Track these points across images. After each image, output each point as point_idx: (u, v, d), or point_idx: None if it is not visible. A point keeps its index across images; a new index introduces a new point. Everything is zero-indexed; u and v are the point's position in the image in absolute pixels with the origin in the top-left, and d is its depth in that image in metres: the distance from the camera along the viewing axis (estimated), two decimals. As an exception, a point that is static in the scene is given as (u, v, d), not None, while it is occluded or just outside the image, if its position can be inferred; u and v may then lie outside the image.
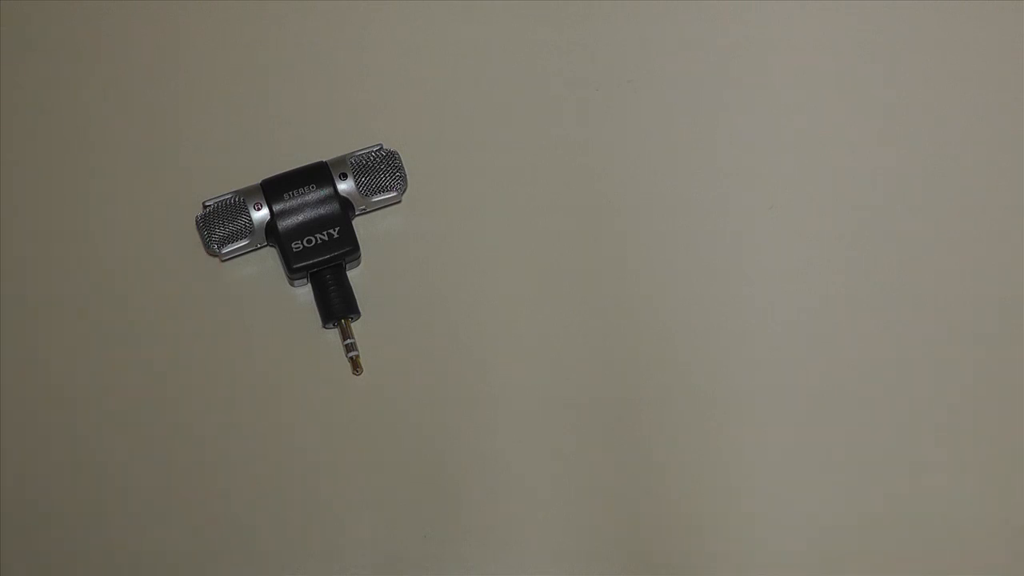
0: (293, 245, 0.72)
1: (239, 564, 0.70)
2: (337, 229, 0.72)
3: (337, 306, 0.72)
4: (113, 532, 0.70)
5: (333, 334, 0.73)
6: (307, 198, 0.72)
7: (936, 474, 0.72)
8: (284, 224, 0.72)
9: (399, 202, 0.74)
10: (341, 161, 0.73)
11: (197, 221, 0.72)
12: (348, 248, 0.72)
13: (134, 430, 0.71)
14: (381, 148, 0.74)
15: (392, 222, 0.75)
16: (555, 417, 0.72)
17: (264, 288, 0.73)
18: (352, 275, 0.73)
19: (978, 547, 0.71)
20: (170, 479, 0.70)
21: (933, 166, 0.76)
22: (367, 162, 0.73)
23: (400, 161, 0.74)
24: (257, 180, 0.73)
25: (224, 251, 0.72)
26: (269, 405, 0.72)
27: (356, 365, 0.72)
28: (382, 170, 0.73)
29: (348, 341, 0.72)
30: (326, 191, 0.72)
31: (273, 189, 0.72)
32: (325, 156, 0.73)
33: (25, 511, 0.70)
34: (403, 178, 0.74)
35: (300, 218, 0.72)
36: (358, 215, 0.73)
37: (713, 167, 0.76)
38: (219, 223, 0.72)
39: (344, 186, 0.73)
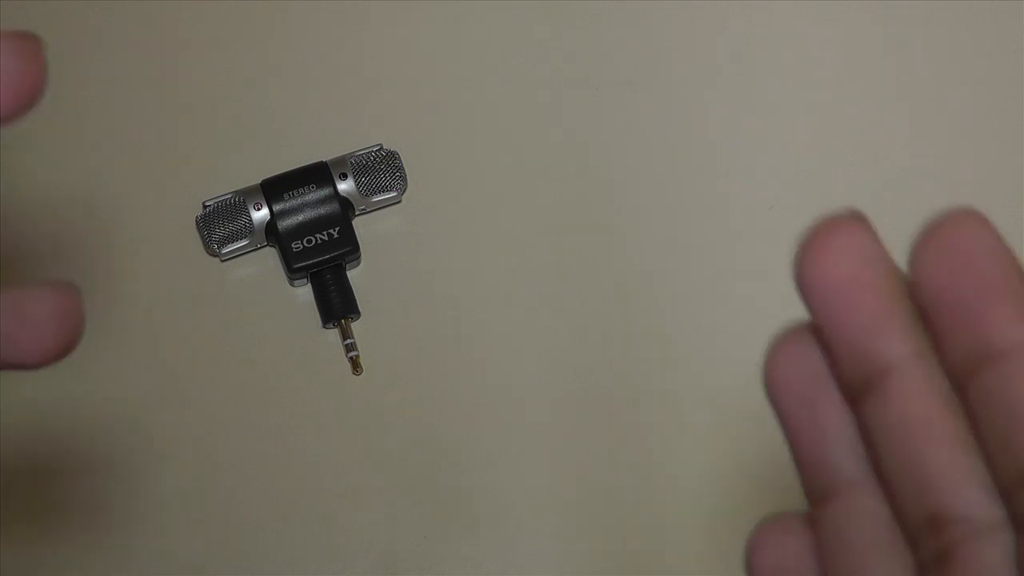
0: (293, 245, 0.72)
1: (238, 564, 0.70)
2: (337, 229, 0.72)
3: (337, 306, 0.72)
4: (110, 532, 0.70)
5: (333, 334, 0.73)
6: (307, 198, 0.72)
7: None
8: (284, 224, 0.72)
9: (399, 202, 0.74)
10: (341, 161, 0.73)
11: (197, 221, 0.72)
12: (348, 248, 0.72)
13: (131, 430, 0.71)
14: (381, 148, 0.74)
15: (392, 222, 0.74)
16: (556, 417, 0.72)
17: (264, 288, 0.73)
18: (352, 275, 0.73)
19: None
20: (168, 479, 0.70)
21: (933, 166, 0.76)
22: (367, 162, 0.73)
23: (400, 161, 0.74)
24: (257, 180, 0.73)
25: (224, 251, 0.72)
26: (269, 405, 0.71)
27: (356, 365, 0.72)
28: (382, 170, 0.73)
29: (348, 341, 0.72)
30: (326, 191, 0.72)
31: (273, 189, 0.72)
32: (325, 156, 0.73)
33: (23, 508, 0.70)
34: (403, 178, 0.74)
35: (300, 218, 0.72)
36: (358, 215, 0.73)
37: (713, 167, 0.76)
38: (219, 223, 0.72)
39: (344, 186, 0.73)
